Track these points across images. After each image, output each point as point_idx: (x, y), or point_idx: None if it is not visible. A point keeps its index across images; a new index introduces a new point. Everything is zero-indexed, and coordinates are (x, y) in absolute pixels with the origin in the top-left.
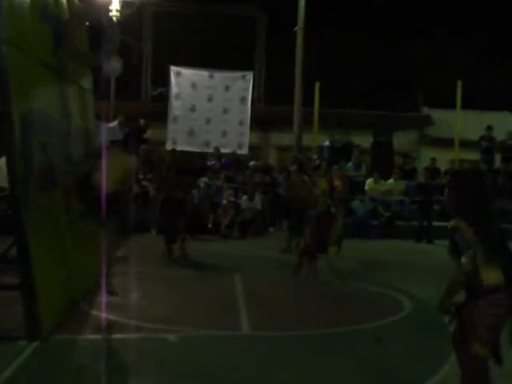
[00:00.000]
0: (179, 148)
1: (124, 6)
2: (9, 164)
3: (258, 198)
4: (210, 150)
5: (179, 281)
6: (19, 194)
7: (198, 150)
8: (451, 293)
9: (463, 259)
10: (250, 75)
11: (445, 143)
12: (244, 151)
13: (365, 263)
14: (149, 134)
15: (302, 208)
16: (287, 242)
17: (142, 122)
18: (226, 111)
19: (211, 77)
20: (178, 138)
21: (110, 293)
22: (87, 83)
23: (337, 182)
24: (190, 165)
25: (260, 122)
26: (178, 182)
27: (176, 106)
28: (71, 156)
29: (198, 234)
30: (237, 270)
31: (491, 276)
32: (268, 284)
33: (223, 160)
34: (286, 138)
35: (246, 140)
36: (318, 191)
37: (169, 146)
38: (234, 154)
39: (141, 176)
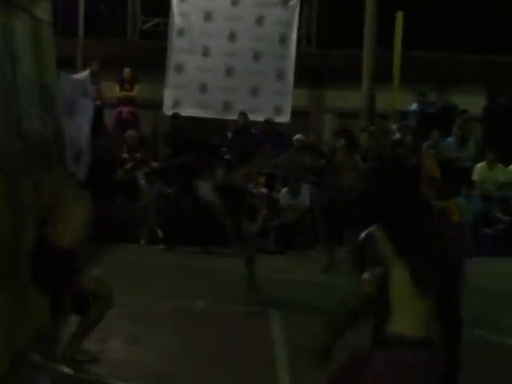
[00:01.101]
0: (184, 113)
1: None
2: None
3: (305, 191)
4: (233, 117)
5: (184, 319)
6: None
7: (213, 117)
8: (335, 330)
9: (364, 276)
10: (294, 1)
11: None
12: (285, 118)
13: (476, 297)
14: (135, 91)
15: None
16: (329, 256)
17: (126, 71)
18: (257, 56)
19: (235, 3)
20: (182, 99)
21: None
22: (44, 12)
23: (430, 167)
24: (201, 139)
25: (310, 73)
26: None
27: (179, 48)
28: (20, 124)
29: (211, 244)
30: (273, 304)
31: (404, 317)
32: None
33: (252, 132)
34: (349, 99)
35: (288, 102)
36: None
37: (168, 111)
38: (268, 122)
39: (125, 155)
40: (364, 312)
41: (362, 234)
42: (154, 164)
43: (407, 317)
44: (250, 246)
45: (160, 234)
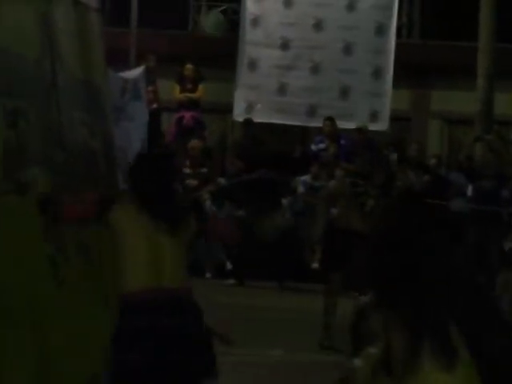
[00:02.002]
0: (258, 119)
1: None
2: None
3: None
4: (318, 124)
5: (258, 371)
6: None
7: (294, 123)
8: None
9: (355, 362)
10: None
11: None
12: (382, 126)
13: None
14: (199, 92)
15: None
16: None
17: (188, 68)
18: (348, 50)
19: None
20: (256, 102)
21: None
22: None
23: None
24: (280, 151)
25: (412, 70)
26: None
27: (253, 41)
28: (61, 132)
29: (288, 279)
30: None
31: None
32: None
33: (342, 142)
34: (461, 101)
35: (387, 105)
36: None
37: (239, 116)
38: (361, 130)
39: (187, 170)
40: None
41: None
42: (222, 181)
43: None
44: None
45: (229, 265)
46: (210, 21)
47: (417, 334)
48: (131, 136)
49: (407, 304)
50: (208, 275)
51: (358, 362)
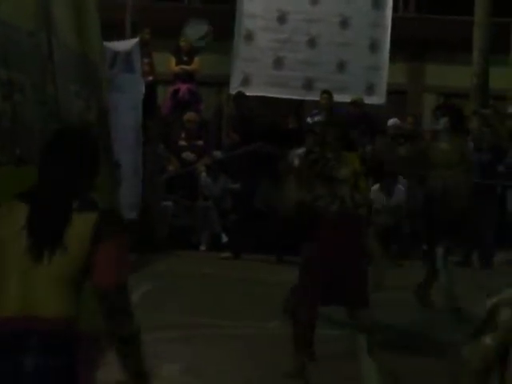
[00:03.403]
0: (255, 92)
1: None
2: None
3: (401, 188)
4: (315, 98)
5: (255, 344)
6: None
7: (290, 97)
8: None
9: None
10: None
11: None
12: (379, 99)
13: None
14: (195, 64)
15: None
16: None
17: (183, 41)
18: (344, 23)
19: None
20: (252, 75)
21: None
22: None
23: None
24: (275, 124)
25: (408, 44)
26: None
27: (250, 13)
28: (57, 105)
29: (286, 253)
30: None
31: None
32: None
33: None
34: (456, 75)
35: (383, 79)
36: None
37: (235, 89)
38: (357, 104)
39: (182, 142)
40: None
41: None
42: (218, 154)
43: None
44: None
45: (224, 238)
46: (193, 34)
47: None
48: (118, 107)
49: None
50: (203, 248)
51: (466, 350)
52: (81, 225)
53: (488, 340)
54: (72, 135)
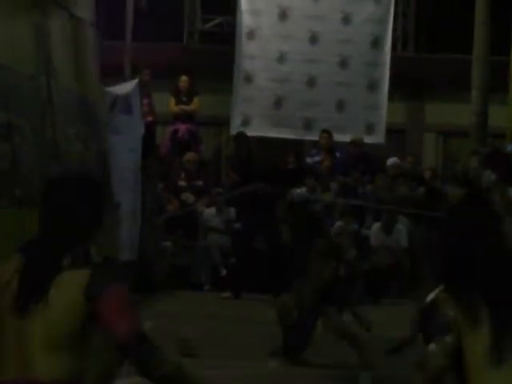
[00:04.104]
0: (255, 133)
1: None
2: None
3: (402, 227)
4: (314, 137)
5: None
6: None
7: (290, 137)
8: None
9: (430, 347)
10: None
11: None
12: (378, 138)
13: None
14: (194, 105)
15: None
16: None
17: (183, 80)
18: (344, 63)
19: None
20: (252, 115)
21: None
22: (85, 10)
23: None
24: (275, 164)
25: (407, 83)
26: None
27: (249, 54)
28: (56, 147)
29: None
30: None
31: None
32: None
33: (337, 155)
34: (456, 114)
35: (382, 118)
36: None
37: (236, 130)
38: (355, 143)
39: (182, 183)
40: None
41: (429, 297)
42: (219, 190)
43: None
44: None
45: (223, 272)
46: None
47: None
48: (117, 149)
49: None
50: (207, 287)
51: (432, 347)
52: (69, 284)
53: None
54: (72, 181)
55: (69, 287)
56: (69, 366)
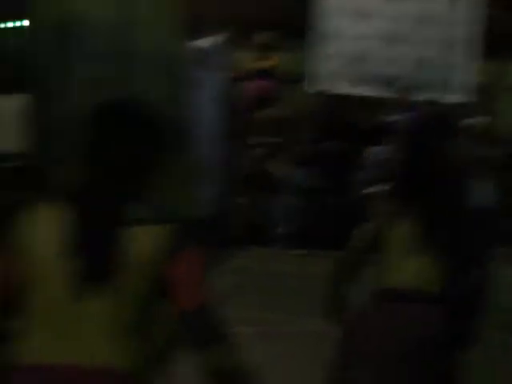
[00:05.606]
0: (334, 90)
1: None
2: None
3: (490, 189)
4: (394, 95)
5: (314, 343)
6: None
7: (370, 94)
8: (337, 285)
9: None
10: None
11: None
12: (457, 98)
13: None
14: (274, 61)
15: None
16: None
17: (262, 37)
18: (422, 20)
19: None
20: (330, 73)
21: None
22: None
23: None
24: (355, 123)
25: (488, 41)
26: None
27: (329, 9)
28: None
29: None
30: None
31: (400, 271)
32: None
33: (413, 114)
34: None
35: (462, 77)
36: None
37: (313, 87)
38: (434, 103)
39: (260, 139)
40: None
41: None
42: (297, 148)
43: (402, 270)
44: None
45: (296, 230)
46: None
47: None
48: (199, 103)
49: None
50: (280, 244)
51: (356, 231)
52: (146, 240)
53: (370, 224)
54: (134, 107)
55: (144, 247)
56: (129, 353)
